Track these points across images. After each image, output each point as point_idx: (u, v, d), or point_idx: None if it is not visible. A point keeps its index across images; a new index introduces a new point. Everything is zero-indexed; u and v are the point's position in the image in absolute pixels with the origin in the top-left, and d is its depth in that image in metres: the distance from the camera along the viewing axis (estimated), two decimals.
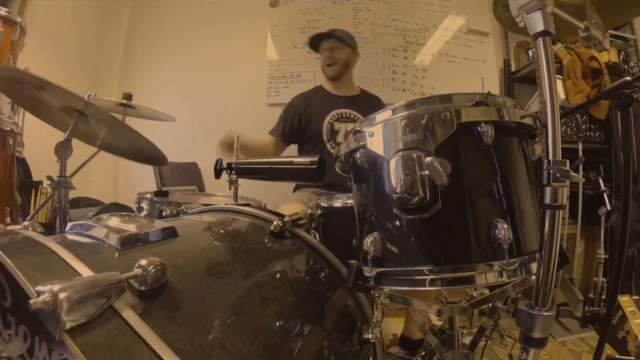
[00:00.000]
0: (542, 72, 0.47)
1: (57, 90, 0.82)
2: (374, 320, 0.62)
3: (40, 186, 1.62)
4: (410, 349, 1.34)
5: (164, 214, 0.91)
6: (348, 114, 1.66)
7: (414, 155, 0.50)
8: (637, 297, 1.53)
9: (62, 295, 0.30)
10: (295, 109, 1.69)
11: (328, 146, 1.61)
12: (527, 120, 0.55)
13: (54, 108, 0.94)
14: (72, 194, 1.06)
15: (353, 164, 0.62)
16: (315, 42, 1.71)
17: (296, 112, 1.67)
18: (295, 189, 1.68)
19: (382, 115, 0.58)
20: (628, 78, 0.71)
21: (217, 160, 0.94)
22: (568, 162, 0.45)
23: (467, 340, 0.67)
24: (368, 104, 1.75)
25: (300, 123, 1.67)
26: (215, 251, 0.60)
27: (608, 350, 1.47)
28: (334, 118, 1.64)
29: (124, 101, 1.42)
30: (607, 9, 0.65)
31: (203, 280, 0.48)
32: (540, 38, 0.47)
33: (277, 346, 0.46)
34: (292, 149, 1.80)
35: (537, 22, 0.47)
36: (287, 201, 1.44)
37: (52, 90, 0.83)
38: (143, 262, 0.39)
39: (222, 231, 0.71)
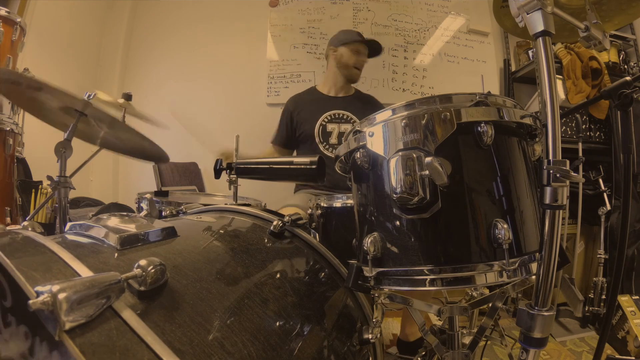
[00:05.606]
0: (542, 72, 0.47)
1: (55, 91, 0.82)
2: (373, 320, 0.62)
3: (40, 186, 1.61)
4: (408, 352, 1.33)
5: (163, 214, 0.91)
6: (341, 115, 1.65)
7: (414, 155, 0.50)
8: (637, 297, 1.54)
9: (61, 296, 0.30)
10: (288, 112, 1.70)
11: (321, 147, 1.61)
12: (527, 120, 0.55)
13: (53, 108, 0.94)
14: (72, 194, 1.06)
15: (353, 164, 0.62)
16: (354, 41, 1.66)
17: (289, 116, 1.69)
18: (295, 190, 1.68)
19: (382, 115, 0.58)
20: (628, 78, 0.71)
21: (217, 160, 0.94)
22: (568, 162, 0.45)
23: (467, 340, 0.68)
24: (363, 104, 1.75)
25: (293, 125, 1.68)
26: (215, 251, 0.60)
27: (608, 350, 1.47)
28: (326, 119, 1.63)
29: (123, 100, 1.42)
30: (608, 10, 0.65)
31: (203, 281, 0.48)
32: (540, 38, 0.47)
33: (277, 346, 0.46)
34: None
35: (537, 22, 0.47)
36: (286, 205, 1.44)
37: (51, 91, 0.83)
38: (143, 262, 0.39)
39: (221, 231, 0.70)
